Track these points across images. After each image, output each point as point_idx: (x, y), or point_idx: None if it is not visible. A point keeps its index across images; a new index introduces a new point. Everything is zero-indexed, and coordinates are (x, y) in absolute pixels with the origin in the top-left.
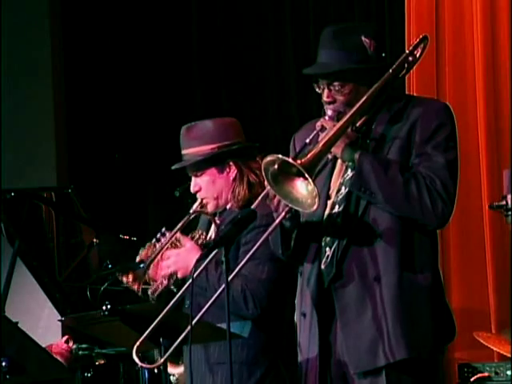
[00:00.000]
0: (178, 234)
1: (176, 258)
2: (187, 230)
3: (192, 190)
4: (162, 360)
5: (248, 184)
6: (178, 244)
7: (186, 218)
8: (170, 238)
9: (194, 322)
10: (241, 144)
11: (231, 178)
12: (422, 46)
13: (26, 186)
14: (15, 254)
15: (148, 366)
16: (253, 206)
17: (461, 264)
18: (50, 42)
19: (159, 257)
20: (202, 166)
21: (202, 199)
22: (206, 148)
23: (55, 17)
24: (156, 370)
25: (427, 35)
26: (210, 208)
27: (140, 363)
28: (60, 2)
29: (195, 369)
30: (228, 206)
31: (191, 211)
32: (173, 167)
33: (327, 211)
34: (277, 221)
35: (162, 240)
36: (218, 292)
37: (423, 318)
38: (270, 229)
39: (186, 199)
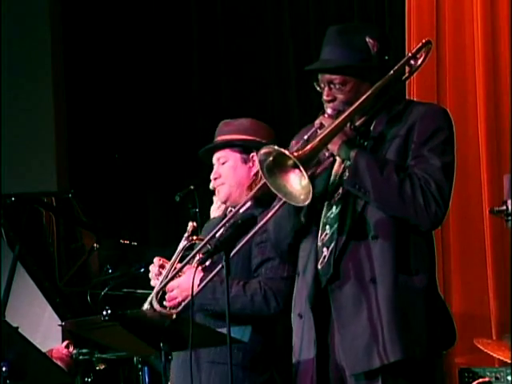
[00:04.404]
0: (177, 264)
1: (179, 288)
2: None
3: (212, 176)
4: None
5: None
6: (180, 273)
7: (179, 251)
8: (170, 270)
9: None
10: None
11: (252, 173)
12: (424, 50)
13: (26, 191)
14: (16, 258)
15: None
16: (249, 196)
17: (461, 268)
18: (50, 44)
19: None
20: (228, 146)
21: (192, 226)
22: (237, 137)
23: (55, 18)
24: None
25: (431, 40)
26: (221, 196)
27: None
28: (60, 2)
29: (182, 366)
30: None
31: (183, 244)
32: (200, 151)
33: (324, 211)
34: (279, 203)
35: (163, 272)
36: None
37: (417, 319)
38: (274, 209)
39: (187, 204)
